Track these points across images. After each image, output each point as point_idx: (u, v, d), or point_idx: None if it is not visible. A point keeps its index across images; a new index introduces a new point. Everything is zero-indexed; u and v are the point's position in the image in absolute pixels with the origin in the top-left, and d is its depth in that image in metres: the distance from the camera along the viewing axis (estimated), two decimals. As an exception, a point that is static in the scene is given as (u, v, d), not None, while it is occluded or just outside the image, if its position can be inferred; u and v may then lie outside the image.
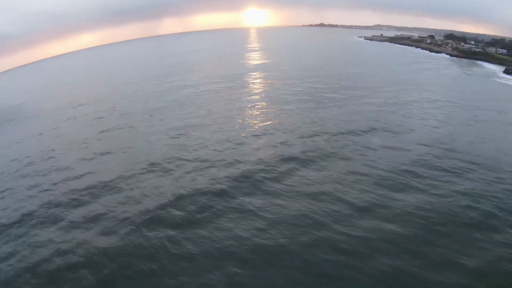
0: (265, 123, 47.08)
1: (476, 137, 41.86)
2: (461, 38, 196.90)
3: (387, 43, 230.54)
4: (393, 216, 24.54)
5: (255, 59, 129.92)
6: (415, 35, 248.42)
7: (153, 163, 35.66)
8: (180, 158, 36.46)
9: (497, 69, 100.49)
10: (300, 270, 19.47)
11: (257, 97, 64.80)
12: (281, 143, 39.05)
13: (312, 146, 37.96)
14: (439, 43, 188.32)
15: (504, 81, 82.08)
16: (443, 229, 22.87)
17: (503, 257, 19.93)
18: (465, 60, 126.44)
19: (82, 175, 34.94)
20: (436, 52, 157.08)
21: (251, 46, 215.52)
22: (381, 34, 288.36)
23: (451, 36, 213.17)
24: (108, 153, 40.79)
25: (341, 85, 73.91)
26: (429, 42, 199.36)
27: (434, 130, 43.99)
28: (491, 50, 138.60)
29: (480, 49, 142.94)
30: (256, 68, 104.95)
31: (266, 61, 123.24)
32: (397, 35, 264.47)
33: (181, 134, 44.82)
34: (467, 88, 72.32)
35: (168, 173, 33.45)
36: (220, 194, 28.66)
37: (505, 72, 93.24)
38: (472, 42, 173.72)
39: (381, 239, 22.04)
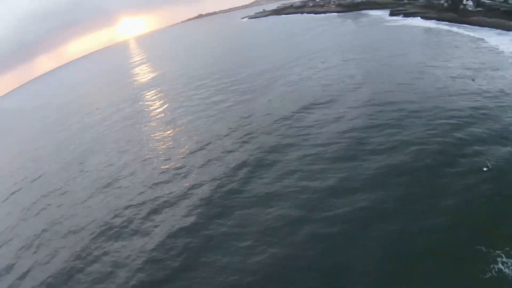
0: (196, 137, 44.20)
1: (395, 84, 44.79)
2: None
3: (271, 17, 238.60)
4: (361, 184, 25.90)
5: (145, 74, 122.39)
6: (296, 1, 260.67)
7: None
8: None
9: (383, 13, 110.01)
10: None
11: (169, 114, 60.47)
12: (224, 152, 37.25)
13: (253, 144, 37.09)
14: (321, 3, 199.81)
15: (393, 23, 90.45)
16: (405, 179, 25.14)
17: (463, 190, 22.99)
18: (351, 13, 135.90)
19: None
20: (322, 13, 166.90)
21: (135, 60, 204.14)
22: (263, 9, 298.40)
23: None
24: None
25: (249, 73, 74.08)
26: (312, 5, 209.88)
27: (357, 90, 46.04)
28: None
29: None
30: (151, 83, 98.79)
31: (157, 72, 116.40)
32: (279, 6, 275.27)
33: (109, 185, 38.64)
34: (367, 39, 77.52)
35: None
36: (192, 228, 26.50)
37: (391, 14, 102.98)
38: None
39: (360, 211, 23.35)
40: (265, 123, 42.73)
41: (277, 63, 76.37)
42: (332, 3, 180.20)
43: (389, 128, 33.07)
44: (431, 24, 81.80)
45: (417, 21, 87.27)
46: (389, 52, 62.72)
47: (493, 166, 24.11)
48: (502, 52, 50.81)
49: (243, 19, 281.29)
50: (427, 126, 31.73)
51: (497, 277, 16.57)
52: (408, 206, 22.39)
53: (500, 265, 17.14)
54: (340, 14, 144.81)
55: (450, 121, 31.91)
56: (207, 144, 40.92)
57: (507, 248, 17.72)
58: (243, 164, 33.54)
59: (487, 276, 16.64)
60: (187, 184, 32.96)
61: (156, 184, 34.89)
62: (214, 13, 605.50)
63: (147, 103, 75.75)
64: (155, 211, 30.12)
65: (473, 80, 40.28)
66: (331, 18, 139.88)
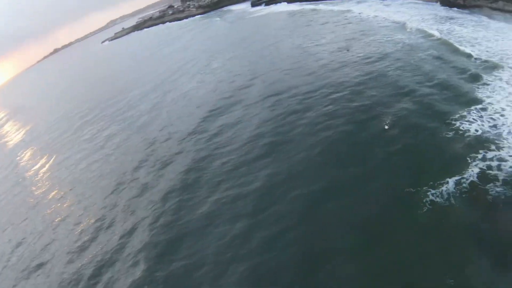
0: (104, 182, 38.92)
1: (282, 72, 48.24)
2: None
3: (133, 33, 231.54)
4: (289, 173, 27.21)
5: (15, 132, 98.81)
6: (155, 11, 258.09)
7: None
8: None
9: (245, 6, 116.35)
10: None
11: (62, 166, 51.12)
12: (141, 187, 34.13)
13: (168, 169, 35.26)
14: (181, 9, 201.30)
15: (258, 14, 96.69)
16: (326, 156, 27.37)
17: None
18: (214, 12, 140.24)
19: None
20: (184, 18, 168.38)
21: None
22: (123, 28, 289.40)
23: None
24: None
25: (130, 98, 68.79)
26: (171, 12, 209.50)
27: (249, 87, 47.86)
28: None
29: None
30: (26, 140, 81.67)
31: (29, 125, 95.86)
32: (138, 21, 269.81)
33: None
34: (239, 35, 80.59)
35: None
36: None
37: (253, 5, 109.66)
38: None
39: (300, 198, 24.56)
40: (171, 144, 40.54)
41: (157, 80, 73.82)
42: (192, 6, 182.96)
43: (291, 114, 35.51)
44: (295, 6, 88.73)
45: (282, 7, 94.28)
46: (264, 42, 66.37)
47: (391, 122, 28.60)
48: (367, 18, 57.95)
49: (104, 43, 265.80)
50: (325, 102, 35.03)
51: (432, 208, 19.81)
52: (338, 176, 24.79)
53: (431, 197, 20.48)
54: (203, 15, 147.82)
55: (343, 93, 35.84)
56: (119, 185, 36.55)
57: (431, 182, 21.27)
58: (167, 193, 31.34)
59: (425, 210, 19.80)
60: (117, 234, 29.30)
61: (81, 247, 29.94)
62: (71, 43, 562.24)
63: (29, 164, 62.33)
64: (94, 277, 26.11)
65: (348, 50, 45.62)
66: (195, 22, 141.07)
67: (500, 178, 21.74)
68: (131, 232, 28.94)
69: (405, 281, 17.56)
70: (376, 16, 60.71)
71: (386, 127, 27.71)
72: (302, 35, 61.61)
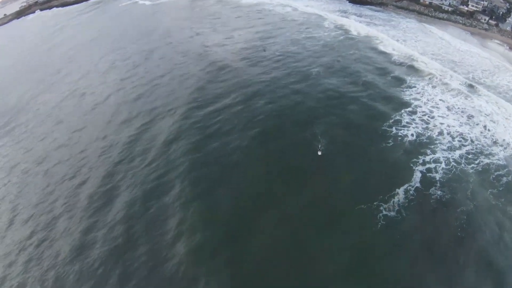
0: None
1: (183, 68, 43.99)
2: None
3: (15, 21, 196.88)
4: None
5: None
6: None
7: None
8: None
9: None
10: None
11: None
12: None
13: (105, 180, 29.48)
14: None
15: (141, 2, 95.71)
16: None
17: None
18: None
19: None
20: (75, 3, 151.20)
21: None
22: (5, 14, 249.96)
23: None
24: None
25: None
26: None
27: (154, 89, 42.32)
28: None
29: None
30: None
31: None
32: (22, 5, 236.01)
33: None
34: (132, 23, 75.85)
35: None
36: None
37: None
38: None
39: None
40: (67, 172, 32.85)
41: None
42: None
43: (219, 115, 33.32)
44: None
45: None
46: (164, 37, 61.53)
47: (324, 144, 27.73)
48: (280, 12, 58.52)
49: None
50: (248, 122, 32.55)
51: (386, 224, 19.91)
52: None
53: (384, 212, 20.65)
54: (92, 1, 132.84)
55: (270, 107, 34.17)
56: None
57: (381, 196, 21.43)
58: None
59: (379, 226, 19.82)
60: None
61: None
62: None
63: None
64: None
65: (264, 50, 44.45)
66: (81, 12, 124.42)
67: (438, 180, 23.20)
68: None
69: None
70: (288, 11, 61.37)
71: (320, 152, 26.38)
72: (197, 27, 59.73)
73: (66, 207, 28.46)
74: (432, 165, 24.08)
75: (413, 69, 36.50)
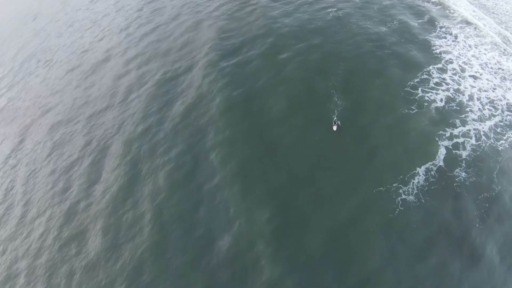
0: None
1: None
2: None
3: None
4: None
5: None
6: None
7: None
8: None
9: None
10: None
11: None
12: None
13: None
14: None
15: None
16: None
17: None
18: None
19: None
20: None
21: None
22: None
23: None
24: None
25: None
26: None
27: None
28: None
29: None
30: None
31: None
32: None
33: None
34: None
35: None
36: None
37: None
38: None
39: None
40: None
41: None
42: None
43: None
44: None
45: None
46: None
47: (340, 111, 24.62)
48: None
49: None
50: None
51: (404, 210, 17.51)
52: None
53: (403, 196, 18.09)
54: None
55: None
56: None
57: (401, 176, 18.66)
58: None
59: (397, 212, 17.41)
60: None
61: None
62: None
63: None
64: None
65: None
66: None
67: (464, 158, 19.93)
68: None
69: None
70: None
71: (335, 128, 21.87)
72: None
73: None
74: (460, 140, 20.44)
75: (446, 14, 30.87)
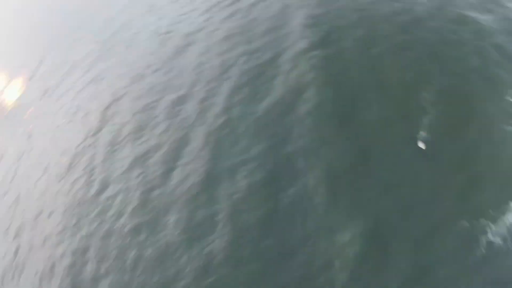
0: None
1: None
2: None
3: None
4: None
5: None
6: None
7: None
8: None
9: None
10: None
11: None
12: None
13: None
14: None
15: None
16: None
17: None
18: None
19: None
20: None
21: None
22: None
23: None
24: None
25: None
26: None
27: None
28: None
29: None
30: None
31: None
32: None
33: None
34: None
35: None
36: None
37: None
38: None
39: None
40: None
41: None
42: None
43: None
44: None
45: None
46: None
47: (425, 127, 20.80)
48: None
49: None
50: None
51: (487, 254, 13.94)
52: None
53: (490, 236, 14.45)
54: None
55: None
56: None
57: (490, 210, 15.01)
58: None
59: (478, 256, 13.85)
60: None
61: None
62: None
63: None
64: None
65: None
66: None
67: None
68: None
69: None
70: None
71: (423, 145, 18.11)
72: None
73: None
74: None
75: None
